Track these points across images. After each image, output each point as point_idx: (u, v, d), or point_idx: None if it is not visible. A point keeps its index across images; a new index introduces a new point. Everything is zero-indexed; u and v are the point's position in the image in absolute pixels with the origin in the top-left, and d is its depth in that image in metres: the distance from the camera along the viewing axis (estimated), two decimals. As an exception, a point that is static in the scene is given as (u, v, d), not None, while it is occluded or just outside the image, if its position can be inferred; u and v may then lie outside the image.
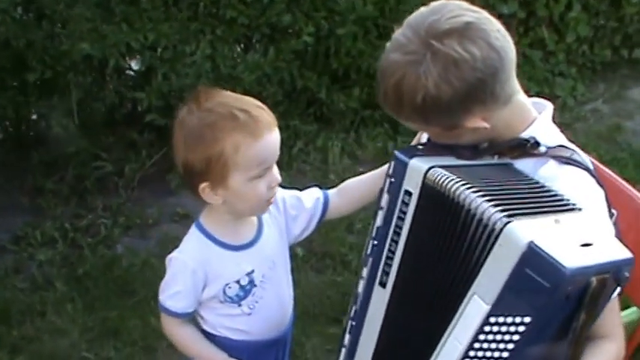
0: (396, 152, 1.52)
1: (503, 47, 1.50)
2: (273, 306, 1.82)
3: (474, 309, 1.33)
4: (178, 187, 3.91)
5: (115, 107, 3.99)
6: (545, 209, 1.36)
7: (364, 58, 4.22)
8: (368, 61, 4.22)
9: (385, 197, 1.52)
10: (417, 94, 1.48)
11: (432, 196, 1.44)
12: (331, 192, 1.90)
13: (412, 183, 1.47)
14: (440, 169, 1.44)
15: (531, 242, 1.26)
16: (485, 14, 1.52)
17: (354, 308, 1.63)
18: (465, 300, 1.35)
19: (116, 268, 3.39)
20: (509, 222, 1.30)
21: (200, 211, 3.65)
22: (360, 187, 1.90)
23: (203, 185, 1.67)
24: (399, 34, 1.54)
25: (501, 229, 1.30)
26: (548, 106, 1.67)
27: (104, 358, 2.95)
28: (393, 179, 1.51)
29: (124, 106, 4.07)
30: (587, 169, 1.56)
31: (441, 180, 1.42)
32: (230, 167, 1.62)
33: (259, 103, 1.69)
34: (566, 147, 1.59)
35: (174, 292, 1.76)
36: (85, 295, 3.23)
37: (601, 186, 1.56)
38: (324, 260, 3.36)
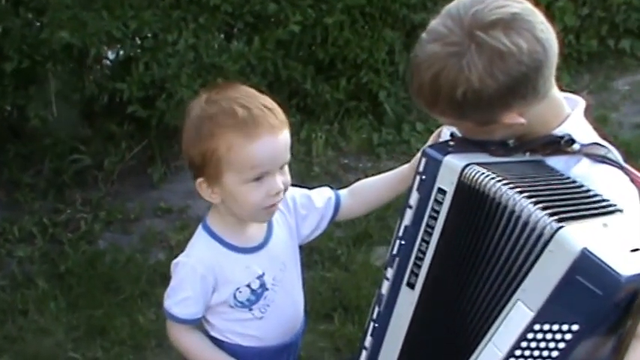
0: (427, 149, 1.44)
1: (548, 40, 1.43)
2: (286, 309, 1.74)
3: (517, 316, 1.27)
4: (160, 180, 3.84)
5: (94, 98, 3.86)
6: (592, 212, 1.31)
7: (351, 48, 4.15)
8: (354, 51, 4.16)
9: (415, 195, 1.44)
10: (457, 87, 1.40)
11: (469, 194, 1.36)
12: (343, 192, 1.82)
13: (446, 181, 1.39)
14: (477, 167, 1.36)
15: (585, 249, 1.19)
16: (528, 5, 1.44)
17: (376, 310, 1.54)
18: (508, 306, 1.28)
19: (99, 265, 3.29)
20: (560, 227, 1.23)
21: (185, 205, 3.63)
22: (374, 188, 1.83)
23: (200, 180, 1.59)
24: (437, 23, 1.44)
25: (552, 235, 1.23)
26: (580, 102, 1.61)
27: (91, 358, 2.86)
28: (424, 177, 1.42)
29: (102, 97, 3.93)
30: (620, 167, 1.50)
31: (479, 178, 1.34)
32: (223, 166, 1.54)
33: (269, 103, 1.58)
34: (601, 145, 1.54)
35: (182, 298, 1.66)
36: (68, 293, 3.13)
37: (634, 183, 1.50)
38: (312, 255, 3.29)
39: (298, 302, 1.80)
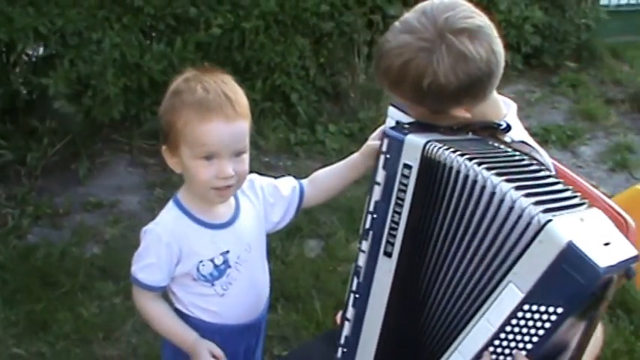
0: (388, 131, 1.59)
1: (500, 53, 1.68)
2: (247, 290, 1.83)
3: (509, 296, 1.40)
4: (86, 176, 3.86)
5: (17, 93, 3.85)
6: (568, 204, 1.45)
7: (265, 52, 4.34)
8: (269, 55, 4.35)
9: (381, 173, 1.57)
10: (424, 78, 1.61)
11: (432, 167, 1.51)
12: (304, 182, 1.97)
13: (411, 157, 1.53)
14: (437, 142, 1.52)
15: (570, 242, 1.34)
16: (487, 20, 1.71)
17: (356, 281, 1.63)
18: (500, 287, 1.42)
19: (32, 259, 3.28)
20: (549, 220, 1.36)
21: (116, 200, 3.69)
22: (329, 177, 1.97)
23: (164, 147, 1.74)
24: (412, 17, 1.65)
25: (542, 227, 1.36)
26: (513, 105, 1.87)
27: (36, 353, 2.82)
28: (388, 155, 1.56)
29: (25, 92, 3.93)
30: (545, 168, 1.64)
31: (440, 152, 1.50)
32: (180, 138, 1.68)
33: (232, 93, 1.68)
34: (528, 144, 1.74)
35: (147, 264, 1.76)
36: (3, 288, 3.10)
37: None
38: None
39: (261, 286, 1.90)
